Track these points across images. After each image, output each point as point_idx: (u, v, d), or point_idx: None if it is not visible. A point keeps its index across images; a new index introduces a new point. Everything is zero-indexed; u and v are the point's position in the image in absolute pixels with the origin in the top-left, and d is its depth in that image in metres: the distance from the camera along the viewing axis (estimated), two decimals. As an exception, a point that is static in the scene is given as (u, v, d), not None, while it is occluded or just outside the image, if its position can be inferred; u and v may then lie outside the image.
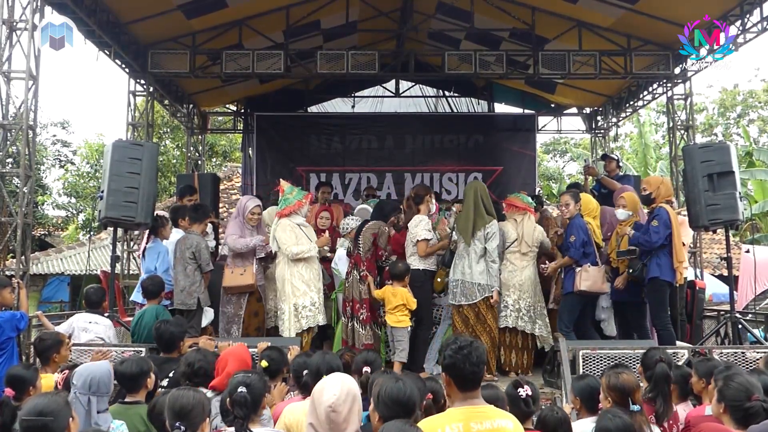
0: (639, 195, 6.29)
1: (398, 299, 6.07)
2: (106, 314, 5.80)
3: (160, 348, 4.63)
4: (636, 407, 3.21)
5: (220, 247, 8.27)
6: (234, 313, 6.32)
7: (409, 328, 6.14)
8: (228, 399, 2.94)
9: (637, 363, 4.26)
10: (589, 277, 5.99)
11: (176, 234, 6.61)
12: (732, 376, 3.00)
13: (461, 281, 6.07)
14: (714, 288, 12.07)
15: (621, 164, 8.61)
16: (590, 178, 8.36)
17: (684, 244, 7.24)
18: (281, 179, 6.66)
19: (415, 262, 6.31)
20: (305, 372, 3.65)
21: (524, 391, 3.22)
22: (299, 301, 6.04)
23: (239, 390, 2.91)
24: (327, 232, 6.94)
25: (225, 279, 6.27)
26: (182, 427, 2.67)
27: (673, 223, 5.85)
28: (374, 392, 2.58)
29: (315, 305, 6.09)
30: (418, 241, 6.27)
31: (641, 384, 3.65)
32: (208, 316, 6.41)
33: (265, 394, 3.06)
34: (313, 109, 12.19)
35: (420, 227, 6.31)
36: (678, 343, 6.36)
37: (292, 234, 6.08)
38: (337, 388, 2.45)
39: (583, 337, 6.06)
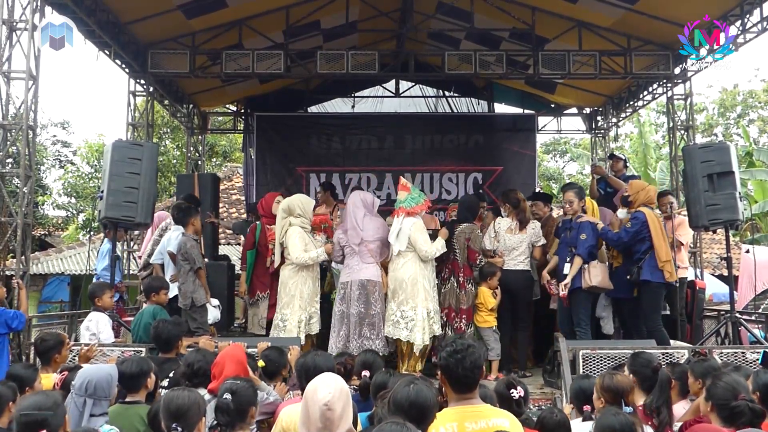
0: (621, 196, 6.35)
1: (479, 299, 6.30)
2: (107, 311, 5.78)
3: (158, 347, 4.64)
4: (629, 409, 3.20)
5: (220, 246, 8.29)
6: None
7: (494, 328, 6.31)
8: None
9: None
10: (598, 273, 6.07)
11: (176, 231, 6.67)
12: (720, 375, 3.03)
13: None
14: (714, 288, 12.06)
15: (628, 164, 8.63)
16: (596, 176, 8.38)
17: (683, 244, 7.27)
18: (402, 177, 6.68)
19: (526, 265, 6.55)
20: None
21: (517, 393, 3.22)
22: (430, 305, 5.96)
23: (224, 396, 2.92)
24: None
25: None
26: (179, 428, 2.66)
27: (650, 225, 5.92)
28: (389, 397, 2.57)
29: (437, 312, 6.05)
30: (540, 245, 6.60)
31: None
32: (213, 314, 6.41)
33: (254, 403, 3.02)
34: (313, 109, 12.17)
35: (541, 232, 6.67)
36: (678, 343, 6.38)
37: (425, 235, 6.09)
38: (332, 386, 2.43)
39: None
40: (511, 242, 6.57)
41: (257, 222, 7.36)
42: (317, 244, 6.38)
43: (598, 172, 8.34)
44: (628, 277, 6.06)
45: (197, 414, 2.77)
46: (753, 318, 7.89)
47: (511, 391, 3.23)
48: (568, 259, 6.16)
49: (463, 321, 6.25)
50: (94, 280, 7.12)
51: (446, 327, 6.24)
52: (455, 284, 6.32)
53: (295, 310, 6.15)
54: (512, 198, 6.77)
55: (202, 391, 3.55)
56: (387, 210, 7.94)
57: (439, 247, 6.08)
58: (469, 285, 6.33)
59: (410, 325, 5.89)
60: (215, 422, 2.91)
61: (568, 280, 6.05)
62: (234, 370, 3.64)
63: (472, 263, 6.36)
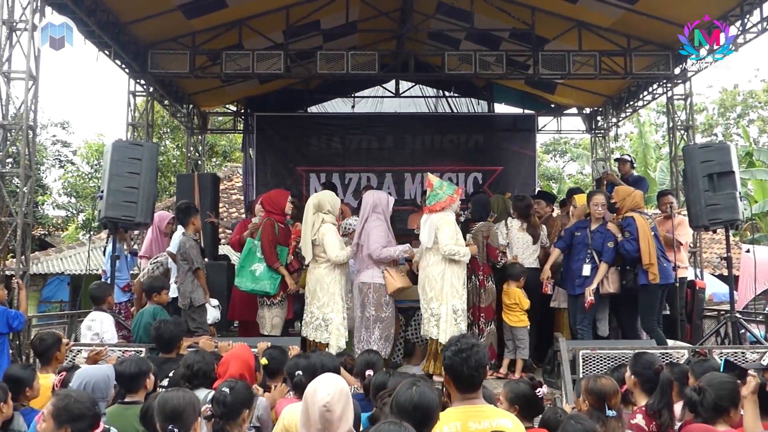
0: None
1: (511, 299, 6.26)
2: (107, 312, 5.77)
3: (159, 348, 4.64)
4: (612, 413, 3.20)
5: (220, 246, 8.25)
6: (392, 316, 6.09)
7: (528, 328, 6.29)
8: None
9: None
10: (616, 280, 6.12)
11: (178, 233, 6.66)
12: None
13: None
14: (714, 288, 12.07)
15: (634, 165, 8.61)
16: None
17: (683, 244, 7.27)
18: (429, 173, 6.53)
19: (537, 263, 6.60)
20: (297, 372, 3.64)
21: (542, 391, 3.25)
22: (457, 303, 5.82)
23: (222, 389, 2.94)
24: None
25: (398, 281, 6.00)
26: (175, 430, 2.65)
27: (639, 230, 5.94)
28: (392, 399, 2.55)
29: (465, 311, 5.95)
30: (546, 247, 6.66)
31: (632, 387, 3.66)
32: (213, 314, 6.39)
33: (248, 406, 3.02)
34: (313, 109, 12.17)
35: (546, 234, 6.84)
36: (678, 343, 6.38)
37: (450, 230, 5.84)
38: (331, 387, 2.42)
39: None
40: (523, 241, 6.65)
41: (269, 217, 6.94)
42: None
43: (610, 179, 8.26)
44: (624, 282, 6.09)
45: (193, 414, 2.76)
46: (754, 318, 7.89)
47: (537, 390, 3.23)
48: (587, 261, 6.13)
49: (482, 319, 6.25)
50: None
51: (473, 326, 6.21)
52: (476, 283, 6.30)
53: (338, 309, 6.00)
54: (520, 209, 6.80)
55: (202, 392, 3.55)
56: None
57: (462, 252, 5.84)
58: (489, 283, 6.31)
59: (440, 322, 5.78)
60: (210, 414, 2.91)
61: (594, 285, 6.02)
62: (239, 370, 3.64)
63: (494, 260, 6.35)
